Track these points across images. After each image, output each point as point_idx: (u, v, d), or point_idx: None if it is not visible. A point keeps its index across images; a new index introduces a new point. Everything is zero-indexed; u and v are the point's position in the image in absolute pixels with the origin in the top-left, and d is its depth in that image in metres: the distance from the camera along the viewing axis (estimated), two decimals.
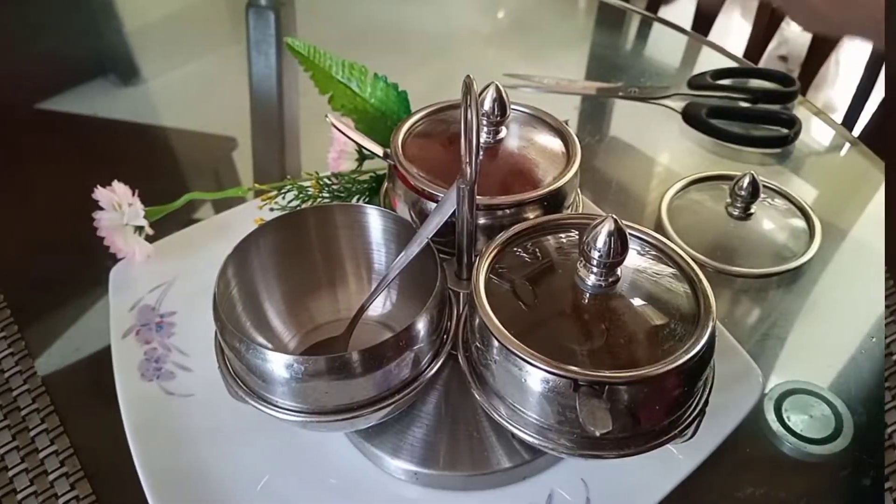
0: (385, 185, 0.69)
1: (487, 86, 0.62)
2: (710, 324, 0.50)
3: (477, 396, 0.54)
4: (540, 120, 0.68)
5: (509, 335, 0.49)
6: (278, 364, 0.52)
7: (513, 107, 0.65)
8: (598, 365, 0.49)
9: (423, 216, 0.61)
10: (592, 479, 0.63)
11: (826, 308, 0.82)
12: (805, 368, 0.74)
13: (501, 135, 0.64)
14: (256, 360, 0.52)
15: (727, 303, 0.82)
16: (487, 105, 0.62)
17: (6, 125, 1.12)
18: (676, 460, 0.63)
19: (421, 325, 0.54)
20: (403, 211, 0.63)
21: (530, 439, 0.51)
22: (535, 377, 0.48)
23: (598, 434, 0.46)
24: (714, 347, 0.51)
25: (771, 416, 0.69)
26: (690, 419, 0.52)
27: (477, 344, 0.53)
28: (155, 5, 1.40)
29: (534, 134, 0.66)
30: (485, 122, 0.63)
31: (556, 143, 0.65)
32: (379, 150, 0.64)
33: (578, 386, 0.47)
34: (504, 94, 0.62)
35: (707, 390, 0.53)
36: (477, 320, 0.52)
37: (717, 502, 0.66)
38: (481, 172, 0.61)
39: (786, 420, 0.69)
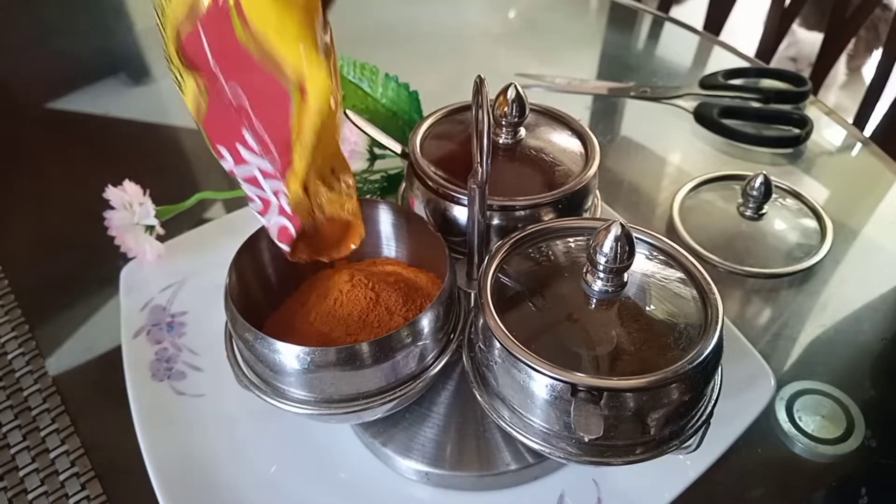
0: (403, 184, 0.69)
1: (507, 86, 0.62)
2: (716, 333, 0.49)
3: (479, 397, 0.54)
4: (559, 120, 0.68)
5: (510, 337, 0.49)
6: (286, 353, 0.52)
7: (532, 107, 0.65)
8: (600, 371, 0.48)
9: (439, 215, 0.61)
10: (603, 480, 0.63)
11: (837, 308, 0.81)
12: (816, 369, 0.74)
13: (520, 135, 0.64)
14: (265, 349, 0.52)
15: (738, 303, 0.82)
16: (506, 106, 0.62)
17: (17, 124, 1.12)
18: (688, 460, 0.62)
19: (427, 321, 0.54)
20: (420, 210, 0.63)
21: (528, 441, 0.51)
22: (535, 381, 0.48)
23: (586, 439, 0.45)
24: (721, 356, 0.51)
25: (782, 417, 0.69)
26: (694, 429, 0.51)
27: (480, 345, 0.53)
28: None
29: (553, 135, 0.66)
30: (504, 123, 0.63)
31: (575, 144, 0.65)
32: (397, 148, 0.64)
33: (576, 391, 0.47)
34: (523, 95, 0.62)
35: (713, 400, 0.52)
36: (481, 321, 0.52)
37: (729, 502, 0.66)
38: (501, 173, 0.61)
39: (797, 420, 0.69)
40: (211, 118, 0.52)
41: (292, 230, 0.53)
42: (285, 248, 0.55)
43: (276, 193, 0.52)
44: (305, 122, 0.47)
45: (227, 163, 0.53)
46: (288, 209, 0.52)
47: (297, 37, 0.46)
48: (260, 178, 0.52)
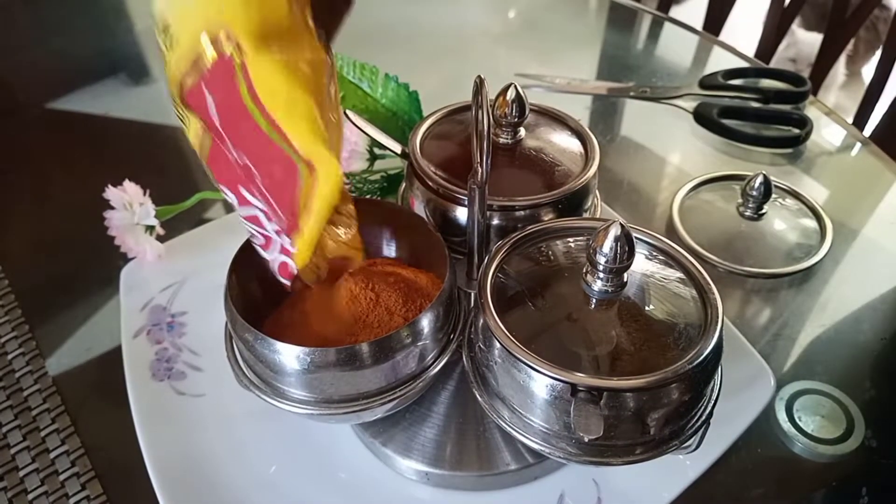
0: (403, 184, 0.69)
1: (507, 87, 0.62)
2: (716, 333, 0.49)
3: (479, 397, 0.54)
4: (559, 121, 0.68)
5: (510, 337, 0.49)
6: (286, 354, 0.52)
7: (531, 107, 0.65)
8: (600, 371, 0.48)
9: (439, 215, 0.61)
10: (603, 480, 0.63)
11: (837, 308, 0.81)
12: (816, 369, 0.74)
13: (520, 135, 0.64)
14: (265, 349, 0.53)
15: (738, 303, 0.82)
16: (506, 106, 0.62)
17: (18, 124, 1.12)
18: (688, 460, 0.62)
19: (427, 321, 0.54)
20: (420, 210, 0.63)
21: (528, 441, 0.51)
22: (535, 381, 0.48)
23: (586, 439, 0.45)
24: (720, 356, 0.51)
25: (782, 417, 0.69)
26: (694, 429, 0.51)
27: (480, 345, 0.53)
28: None
29: (552, 135, 0.66)
30: (503, 123, 0.63)
31: (575, 144, 0.65)
32: (397, 148, 0.64)
33: (576, 391, 0.47)
34: (523, 95, 0.62)
35: (713, 400, 0.52)
36: (480, 321, 0.52)
37: (729, 502, 0.66)
38: (501, 173, 0.61)
39: (797, 420, 0.69)
40: (214, 160, 0.51)
41: (294, 268, 0.53)
42: (286, 282, 0.55)
43: (278, 233, 0.52)
44: (315, 201, 0.46)
45: (230, 199, 0.53)
46: (290, 248, 0.52)
47: (307, 118, 0.45)
48: (263, 219, 0.52)
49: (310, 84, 0.46)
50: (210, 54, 0.46)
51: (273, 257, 0.54)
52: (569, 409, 0.46)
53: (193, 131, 0.51)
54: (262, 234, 0.53)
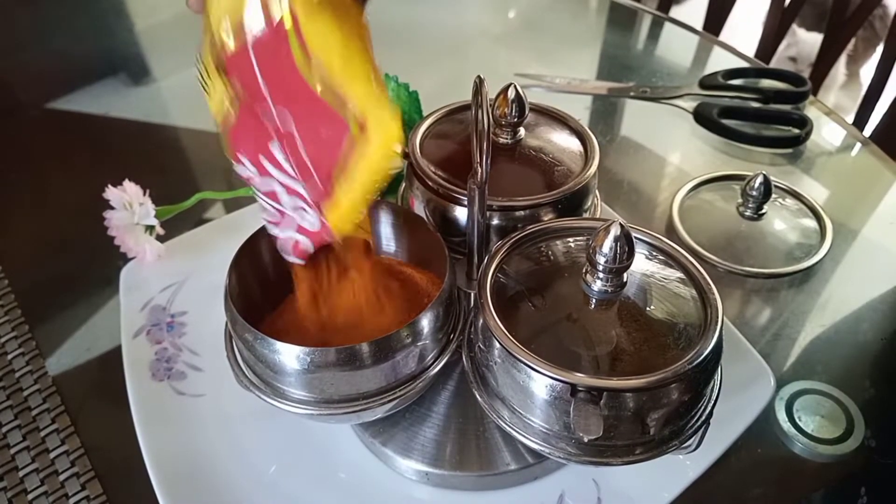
0: (403, 184, 0.69)
1: (507, 86, 0.62)
2: (716, 333, 0.49)
3: (479, 397, 0.54)
4: (559, 120, 0.67)
5: (510, 337, 0.49)
6: (286, 354, 0.52)
7: (531, 107, 0.65)
8: (600, 371, 0.48)
9: (439, 215, 0.61)
10: (603, 480, 0.63)
11: (837, 308, 0.81)
12: (816, 369, 0.74)
13: (520, 135, 0.64)
14: (265, 349, 0.53)
15: (738, 303, 0.82)
16: (506, 106, 0.62)
17: (17, 124, 1.12)
18: (688, 460, 0.62)
19: (427, 321, 0.54)
20: (420, 210, 0.63)
21: (528, 441, 0.51)
22: (534, 381, 0.48)
23: (586, 439, 0.45)
24: (720, 356, 0.50)
25: (782, 417, 0.69)
26: (694, 429, 0.51)
27: (480, 345, 0.53)
28: (166, 4, 1.40)
29: (552, 135, 0.66)
30: (503, 123, 0.63)
31: (575, 144, 0.65)
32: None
33: (576, 391, 0.47)
34: (522, 95, 0.62)
35: (713, 400, 0.52)
36: (480, 321, 0.52)
37: (729, 502, 0.66)
38: (501, 173, 0.61)
39: (797, 420, 0.69)
40: (237, 126, 0.51)
41: (310, 247, 0.53)
42: (297, 261, 0.55)
43: (297, 210, 0.52)
44: (364, 162, 0.46)
45: (246, 171, 0.52)
46: (310, 228, 0.52)
47: (364, 73, 0.46)
48: (282, 193, 0.52)
49: (363, 44, 0.47)
50: (259, 19, 0.46)
51: (285, 235, 0.54)
52: (569, 409, 0.46)
53: (217, 99, 0.51)
54: (277, 210, 0.53)
